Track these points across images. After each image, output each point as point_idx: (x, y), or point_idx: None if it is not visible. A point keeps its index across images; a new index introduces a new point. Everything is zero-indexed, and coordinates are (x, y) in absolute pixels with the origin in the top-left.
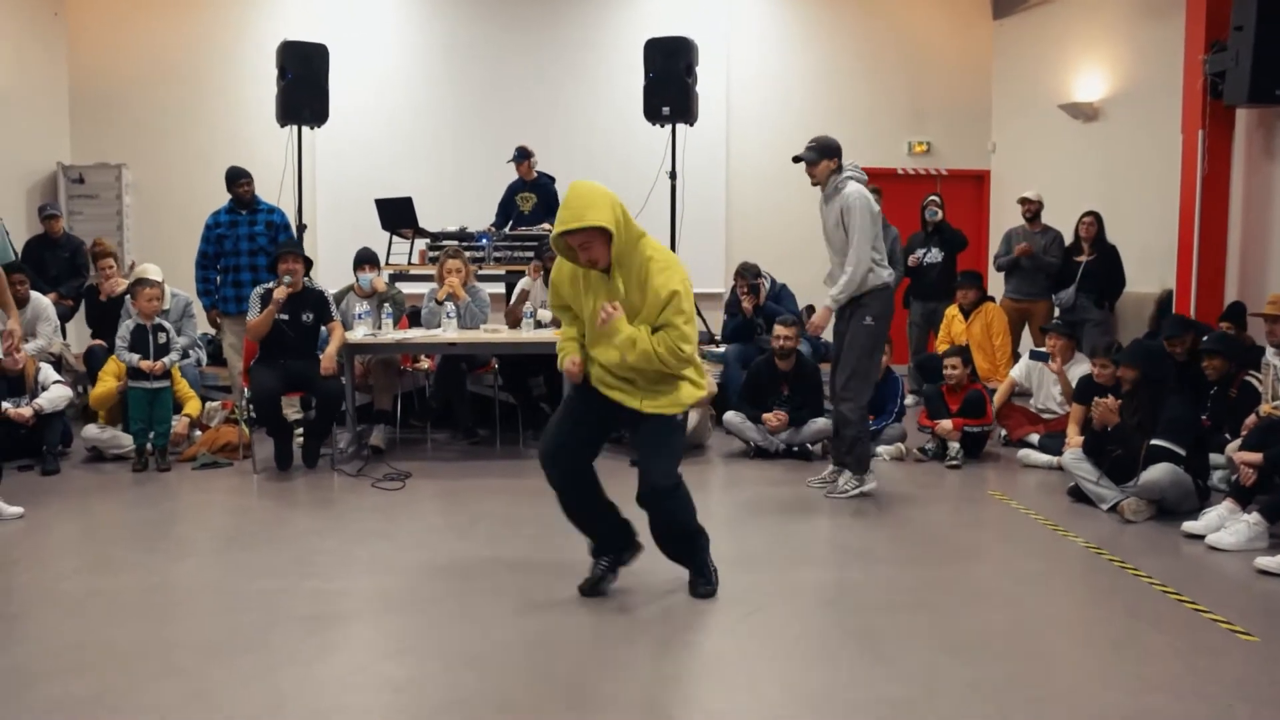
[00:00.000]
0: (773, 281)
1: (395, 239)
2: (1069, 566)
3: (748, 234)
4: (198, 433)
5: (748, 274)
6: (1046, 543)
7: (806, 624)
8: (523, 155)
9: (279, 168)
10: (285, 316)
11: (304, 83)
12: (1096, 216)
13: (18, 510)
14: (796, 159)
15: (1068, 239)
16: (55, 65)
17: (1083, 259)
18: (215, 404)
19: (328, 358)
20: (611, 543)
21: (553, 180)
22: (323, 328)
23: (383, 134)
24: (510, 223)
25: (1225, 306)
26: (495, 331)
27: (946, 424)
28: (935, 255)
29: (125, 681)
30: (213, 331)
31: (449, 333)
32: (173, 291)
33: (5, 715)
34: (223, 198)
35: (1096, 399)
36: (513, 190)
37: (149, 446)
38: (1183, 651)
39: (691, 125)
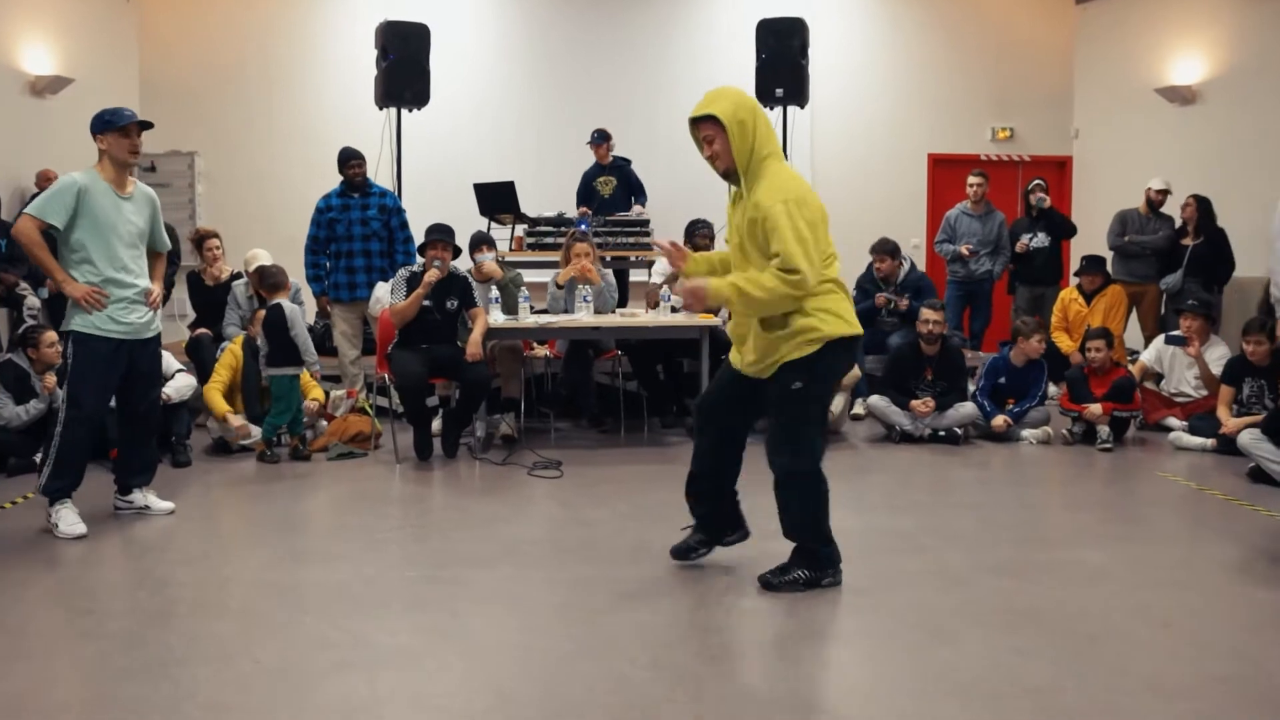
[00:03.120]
0: (913, 265)
1: (493, 225)
2: None
3: (831, 218)
4: (323, 423)
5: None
6: (1256, 521)
7: (1072, 604)
8: (603, 137)
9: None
10: (429, 302)
11: (405, 64)
12: (1198, 200)
13: (168, 505)
14: None
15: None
16: (127, 51)
17: (1188, 243)
18: (340, 393)
19: (473, 344)
20: (711, 525)
21: (629, 162)
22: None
23: (468, 118)
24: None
25: None
26: (633, 315)
27: (1096, 408)
28: (1042, 240)
29: (413, 676)
30: (311, 320)
31: (586, 316)
32: None
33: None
34: (291, 183)
35: None
36: (590, 176)
37: (278, 438)
38: None
39: (803, 107)
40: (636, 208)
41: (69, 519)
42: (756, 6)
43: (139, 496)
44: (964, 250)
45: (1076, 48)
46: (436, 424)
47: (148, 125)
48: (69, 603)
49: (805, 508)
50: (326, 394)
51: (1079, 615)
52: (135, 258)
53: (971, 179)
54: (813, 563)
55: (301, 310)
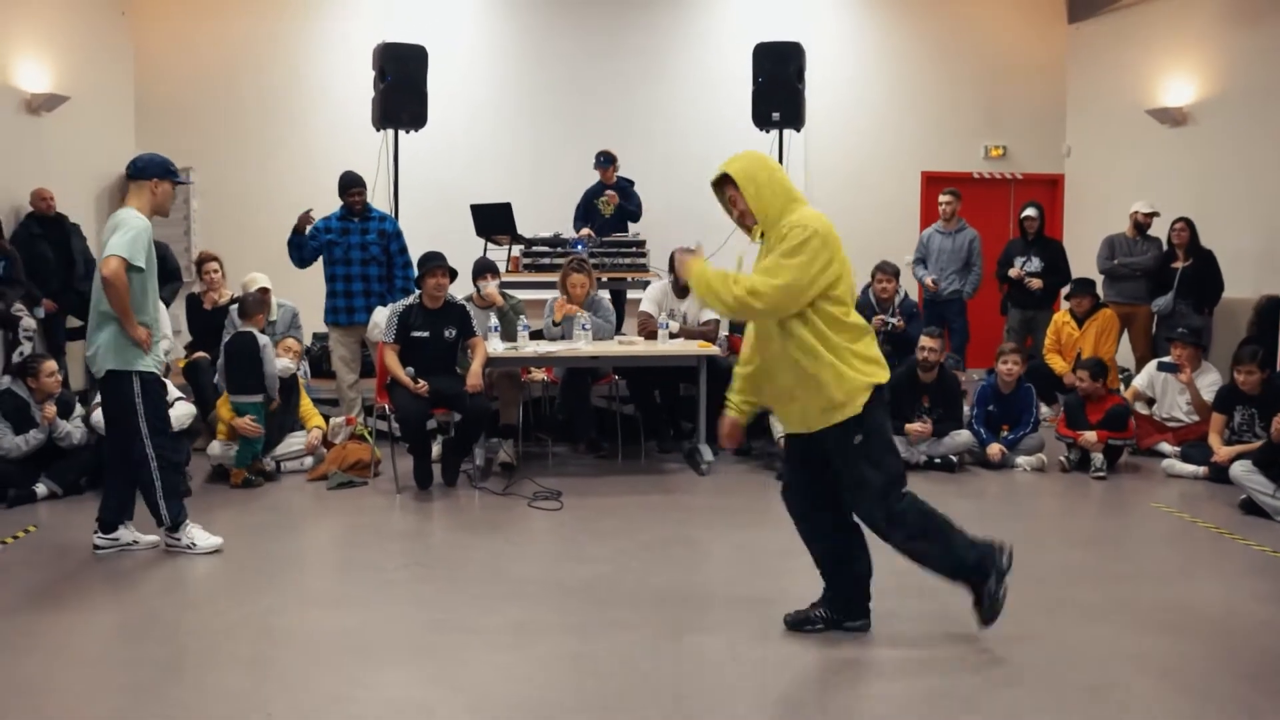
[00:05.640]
0: (905, 296)
1: (490, 246)
2: None
3: None
4: (323, 450)
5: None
6: (1248, 557)
7: (1071, 651)
8: (609, 161)
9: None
10: (426, 333)
11: (402, 86)
12: (1188, 222)
13: (154, 539)
14: None
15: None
16: (122, 68)
17: (1179, 265)
18: (339, 420)
19: (474, 375)
20: (835, 598)
21: (632, 184)
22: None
23: (464, 139)
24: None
25: None
26: (631, 343)
27: (1091, 436)
28: (1035, 264)
29: None
30: (308, 341)
31: (584, 345)
32: (279, 302)
33: None
34: (285, 204)
35: None
36: (592, 194)
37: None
38: None
39: (799, 131)
40: (632, 228)
41: (202, 535)
42: (753, 28)
43: (125, 533)
44: (928, 283)
45: (1068, 67)
46: (436, 449)
47: (183, 182)
48: (77, 653)
49: (931, 545)
50: (326, 419)
51: (1079, 663)
52: None
53: (942, 197)
54: (982, 576)
55: (300, 333)
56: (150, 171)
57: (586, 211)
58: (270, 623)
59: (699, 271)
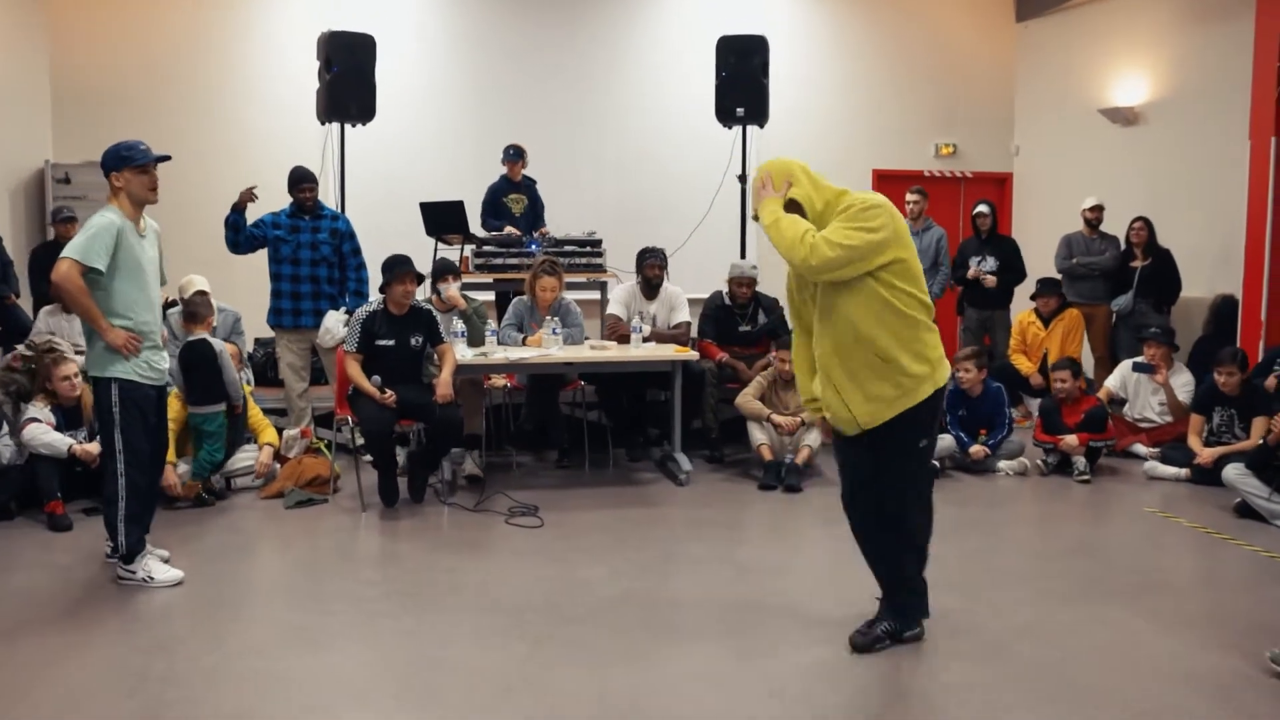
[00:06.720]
0: None
1: (441, 246)
2: None
3: None
4: (277, 465)
5: None
6: (1258, 563)
7: (1118, 672)
8: (519, 154)
9: (290, 168)
10: (391, 341)
11: (350, 76)
12: (1146, 222)
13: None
14: None
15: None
16: (37, 54)
17: (1138, 264)
18: (293, 433)
19: (444, 384)
20: (896, 603)
21: (534, 182)
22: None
23: (413, 133)
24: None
25: None
26: (604, 348)
27: (1072, 440)
28: (990, 264)
29: None
30: (250, 348)
31: (557, 351)
32: (219, 306)
33: None
34: (221, 201)
35: None
36: (499, 191)
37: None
38: None
39: (763, 126)
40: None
41: (161, 568)
42: (707, 22)
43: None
44: None
45: (1017, 65)
46: (399, 458)
47: (165, 158)
48: (35, 712)
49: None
50: (279, 432)
51: (1129, 686)
52: (158, 300)
53: (909, 196)
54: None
55: (242, 339)
56: (108, 165)
57: (495, 210)
58: (252, 666)
59: (773, 209)
